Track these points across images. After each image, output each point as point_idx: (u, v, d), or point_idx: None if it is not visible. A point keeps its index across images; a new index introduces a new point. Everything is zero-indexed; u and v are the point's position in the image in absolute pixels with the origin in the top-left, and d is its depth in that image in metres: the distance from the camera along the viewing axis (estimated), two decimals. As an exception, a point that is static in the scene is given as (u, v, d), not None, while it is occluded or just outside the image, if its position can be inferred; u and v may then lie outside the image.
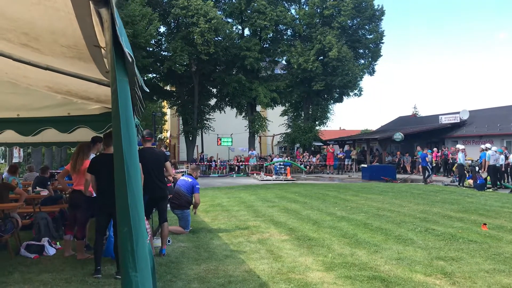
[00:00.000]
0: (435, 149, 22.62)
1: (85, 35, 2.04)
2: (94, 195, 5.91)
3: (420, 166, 21.78)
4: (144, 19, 25.11)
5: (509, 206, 11.74)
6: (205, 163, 29.26)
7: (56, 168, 24.35)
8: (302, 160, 30.23)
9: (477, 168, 17.58)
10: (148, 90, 2.95)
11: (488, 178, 17.31)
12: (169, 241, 7.14)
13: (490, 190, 16.57)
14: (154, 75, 32.35)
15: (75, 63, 2.89)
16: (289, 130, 35.08)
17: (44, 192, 9.04)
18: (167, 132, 51.72)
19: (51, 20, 2.02)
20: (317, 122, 34.56)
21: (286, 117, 37.76)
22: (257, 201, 13.27)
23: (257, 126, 32.61)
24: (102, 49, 2.22)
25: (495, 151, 17.35)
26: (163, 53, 30.93)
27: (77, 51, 2.52)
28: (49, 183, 9.79)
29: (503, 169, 17.33)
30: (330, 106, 35.87)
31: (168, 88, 35.60)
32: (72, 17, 1.84)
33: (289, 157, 31.51)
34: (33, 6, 1.93)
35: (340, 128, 64.23)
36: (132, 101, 2.75)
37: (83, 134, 7.39)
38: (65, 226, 7.29)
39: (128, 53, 1.68)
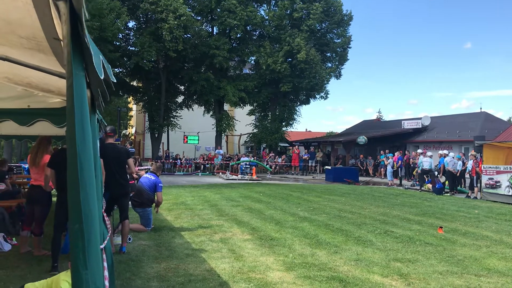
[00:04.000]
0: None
1: (44, 27, 1.99)
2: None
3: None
4: (112, 12, 24.64)
5: (464, 210, 12.17)
6: (171, 160, 28.95)
7: (16, 162, 23.57)
8: (267, 161, 30.37)
9: (436, 173, 18.12)
10: (115, 80, 2.88)
11: (447, 182, 17.90)
12: (129, 239, 7.05)
13: (448, 194, 17.12)
14: (121, 69, 31.75)
15: (34, 55, 2.81)
16: (256, 130, 35.15)
17: (1, 186, 8.74)
18: (132, 128, 50.87)
19: (8, 10, 1.97)
20: (283, 123, 34.74)
21: (253, 117, 37.83)
22: (221, 200, 13.25)
23: (224, 125, 32.51)
24: (62, 42, 2.18)
25: (453, 157, 17.97)
26: (131, 48, 30.39)
27: (36, 43, 2.46)
28: (7, 176, 9.47)
29: (458, 174, 17.92)
30: (297, 108, 36.19)
31: (134, 83, 34.99)
32: (31, 8, 1.80)
33: (255, 157, 31.60)
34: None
35: (306, 129, 65.24)
36: (93, 95, 2.71)
37: (44, 128, 7.22)
38: (22, 221, 7.09)
39: (89, 47, 1.65)
